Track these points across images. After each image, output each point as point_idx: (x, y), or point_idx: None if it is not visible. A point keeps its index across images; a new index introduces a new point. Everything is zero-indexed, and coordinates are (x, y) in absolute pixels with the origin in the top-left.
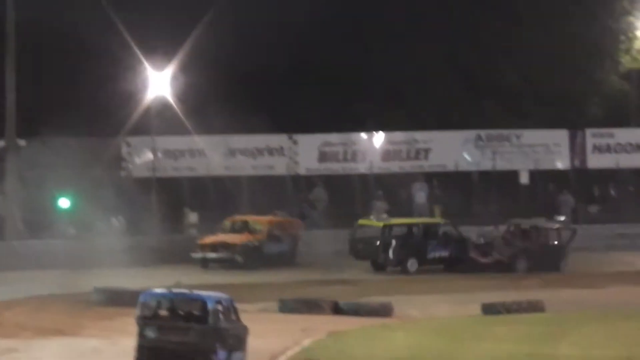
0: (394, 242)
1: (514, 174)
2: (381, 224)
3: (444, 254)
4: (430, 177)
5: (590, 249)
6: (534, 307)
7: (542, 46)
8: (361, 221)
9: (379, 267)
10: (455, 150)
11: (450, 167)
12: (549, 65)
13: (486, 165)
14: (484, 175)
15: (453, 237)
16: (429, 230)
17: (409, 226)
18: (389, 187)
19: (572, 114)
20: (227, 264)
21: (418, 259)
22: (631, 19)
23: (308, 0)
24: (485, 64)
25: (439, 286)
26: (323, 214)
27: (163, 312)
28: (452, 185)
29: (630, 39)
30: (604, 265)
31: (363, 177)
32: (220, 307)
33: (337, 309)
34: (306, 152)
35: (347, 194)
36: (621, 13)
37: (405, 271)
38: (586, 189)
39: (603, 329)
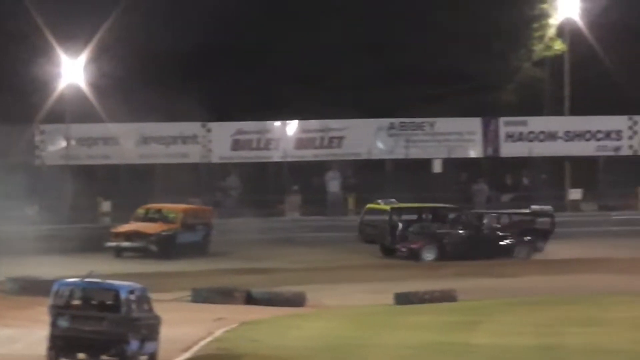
0: (400, 225)
1: (427, 162)
2: (388, 207)
3: None
4: (344, 166)
5: None
6: (447, 296)
7: (457, 32)
8: (369, 205)
9: (387, 251)
10: (368, 138)
11: (364, 155)
12: (464, 52)
13: (400, 153)
14: (398, 163)
15: (464, 221)
16: (438, 214)
17: (418, 210)
18: (303, 176)
19: (486, 101)
20: (141, 253)
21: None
22: (545, 6)
23: None
24: (401, 50)
25: (354, 276)
26: (237, 202)
27: (76, 302)
28: (366, 174)
29: (544, 26)
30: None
31: (277, 165)
32: (133, 297)
33: (250, 299)
34: (220, 140)
35: (261, 182)
36: (535, 0)
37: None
38: (499, 177)
39: (516, 317)
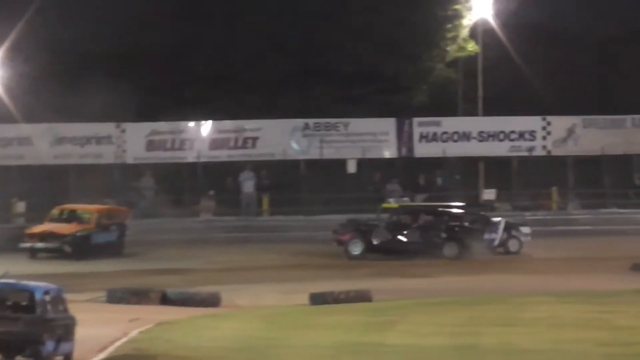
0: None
1: (342, 163)
2: (397, 205)
3: None
4: (258, 166)
5: None
6: (362, 296)
7: (370, 33)
8: (384, 205)
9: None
10: (283, 138)
11: (278, 155)
12: (378, 52)
13: (314, 153)
14: (312, 163)
15: (475, 219)
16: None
17: (428, 208)
18: (217, 176)
19: (400, 101)
20: (55, 254)
21: None
22: (458, 7)
23: None
24: (315, 51)
25: (270, 276)
26: (151, 203)
27: None
28: (281, 174)
29: (457, 27)
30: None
31: (192, 166)
32: (48, 298)
33: (165, 299)
34: (134, 141)
35: (175, 183)
36: (448, 1)
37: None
38: (413, 177)
39: (432, 317)
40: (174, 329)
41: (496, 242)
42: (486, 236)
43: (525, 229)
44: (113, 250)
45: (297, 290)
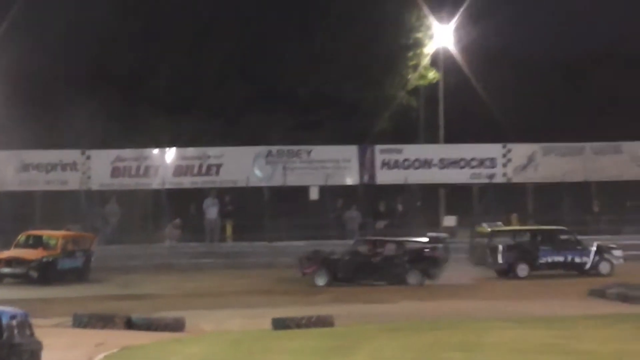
0: (500, 246)
1: (304, 189)
2: (490, 230)
3: (559, 259)
4: (222, 193)
5: None
6: (324, 321)
7: (332, 59)
8: (478, 229)
9: (501, 273)
10: (246, 165)
11: (242, 182)
12: (340, 79)
13: (277, 180)
14: (275, 190)
15: (571, 243)
16: (542, 237)
17: (521, 232)
18: (181, 202)
19: (362, 129)
20: (21, 279)
21: (528, 264)
22: (419, 35)
23: (92, 18)
24: (278, 77)
25: (234, 301)
26: (116, 229)
27: None
28: (244, 201)
29: (418, 55)
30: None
31: (156, 192)
32: (14, 322)
33: (130, 324)
34: (99, 167)
35: (140, 209)
36: (409, 29)
37: (515, 276)
38: (375, 204)
39: (394, 341)
40: (139, 353)
41: (588, 266)
42: (577, 259)
43: (618, 252)
44: (79, 275)
45: (260, 315)
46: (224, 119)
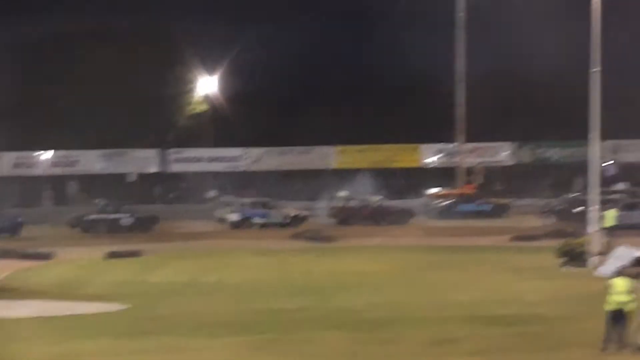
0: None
1: None
2: None
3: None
4: None
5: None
6: (136, 253)
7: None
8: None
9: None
10: None
11: None
12: (105, 124)
13: None
14: None
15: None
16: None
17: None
18: None
19: None
20: None
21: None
22: (190, 85)
23: None
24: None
25: (87, 242)
26: None
27: None
28: None
29: (191, 95)
30: (190, 227)
31: None
32: None
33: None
34: None
35: None
36: (183, 80)
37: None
38: None
39: (184, 264)
40: (28, 272)
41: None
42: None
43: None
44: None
45: (105, 250)
46: None
